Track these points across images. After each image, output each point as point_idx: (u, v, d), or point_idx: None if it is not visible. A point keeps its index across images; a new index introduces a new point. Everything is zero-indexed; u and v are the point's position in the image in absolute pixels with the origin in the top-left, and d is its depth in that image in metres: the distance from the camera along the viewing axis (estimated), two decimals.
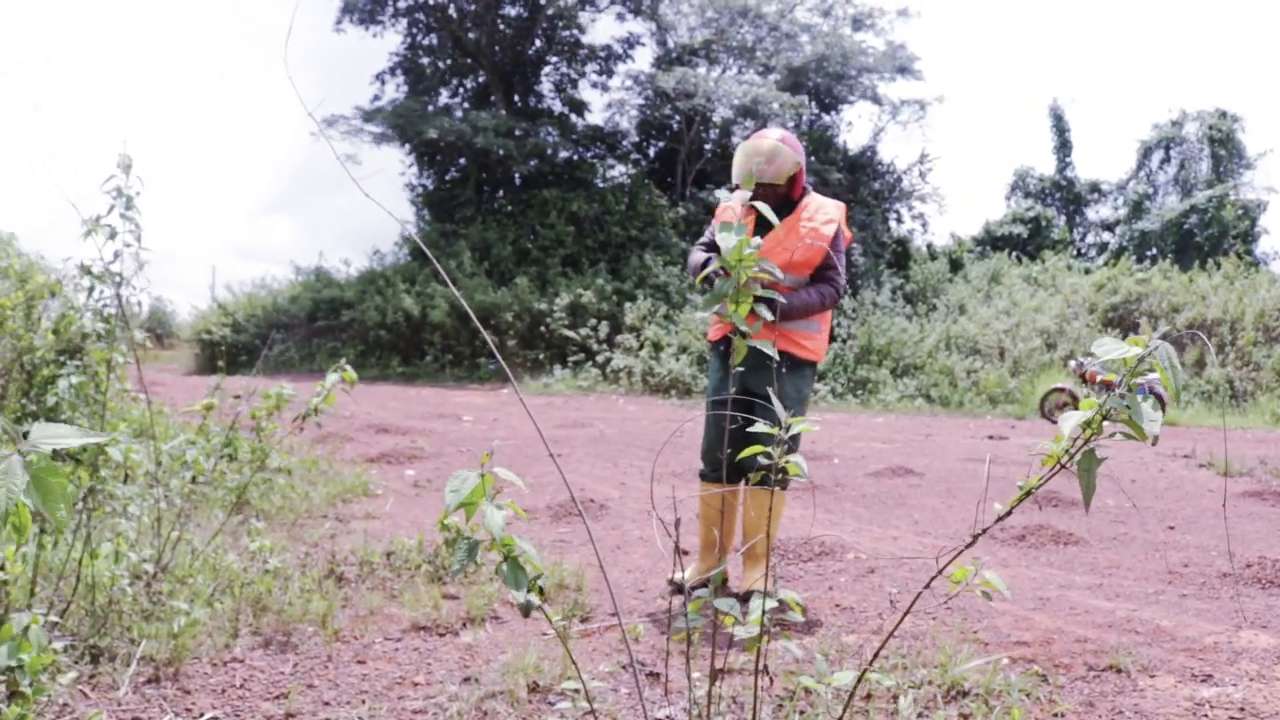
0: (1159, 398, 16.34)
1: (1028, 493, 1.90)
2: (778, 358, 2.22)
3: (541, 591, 2.02)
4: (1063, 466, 1.86)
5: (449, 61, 32.09)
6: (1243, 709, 3.12)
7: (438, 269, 2.07)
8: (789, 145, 4.40)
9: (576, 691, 2.95)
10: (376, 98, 31.85)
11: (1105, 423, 1.80)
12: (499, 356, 1.96)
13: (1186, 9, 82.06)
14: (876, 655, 2.07)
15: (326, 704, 3.05)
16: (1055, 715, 3.07)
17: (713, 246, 4.54)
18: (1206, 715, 3.07)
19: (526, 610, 1.96)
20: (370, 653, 3.54)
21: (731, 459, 4.01)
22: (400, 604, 4.12)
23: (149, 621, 3.43)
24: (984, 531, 1.95)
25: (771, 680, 2.19)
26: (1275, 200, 49.22)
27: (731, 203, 4.44)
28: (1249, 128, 49.33)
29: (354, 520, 6.04)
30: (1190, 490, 8.39)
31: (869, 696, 3.13)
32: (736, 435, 3.86)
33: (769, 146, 4.36)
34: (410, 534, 5.19)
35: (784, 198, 4.46)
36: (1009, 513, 1.92)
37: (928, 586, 2.08)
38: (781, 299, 4.21)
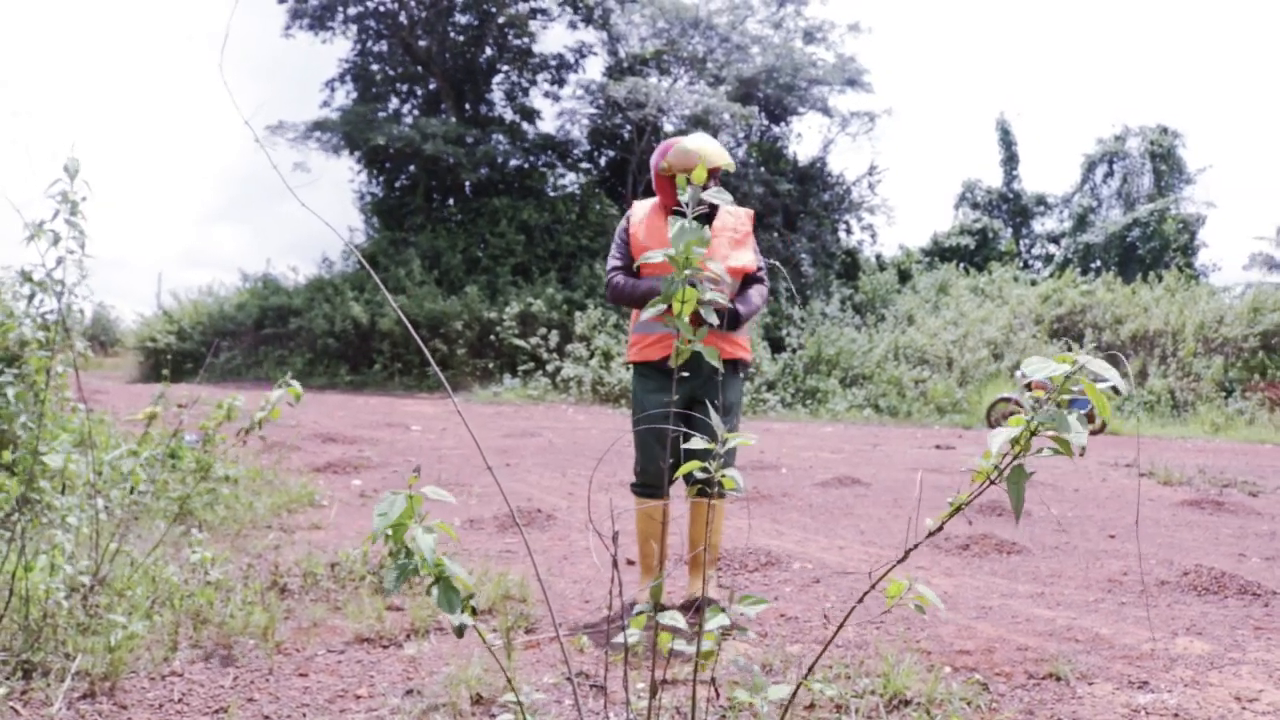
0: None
1: (957, 509, 1.92)
2: (721, 367, 2.22)
3: (474, 610, 2.01)
4: (992, 483, 1.88)
5: (400, 69, 31.94)
6: (1176, 715, 3.17)
7: (377, 282, 2.06)
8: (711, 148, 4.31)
9: (518, 704, 2.94)
10: (326, 104, 31.67)
11: (1034, 438, 1.82)
12: (434, 365, 1.95)
13: (1130, 27, 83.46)
14: (812, 668, 2.08)
15: (267, 718, 3.01)
16: None
17: (627, 269, 4.41)
18: None
19: (460, 631, 1.95)
20: (312, 665, 3.50)
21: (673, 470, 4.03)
22: (344, 616, 4.08)
23: (85, 635, 3.37)
24: (915, 547, 1.96)
25: (717, 692, 2.19)
26: (1214, 215, 50.24)
27: (643, 212, 4.47)
28: (1189, 143, 50.28)
29: (299, 531, 5.98)
30: (1131, 499, 8.51)
31: (812, 706, 3.14)
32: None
33: (696, 143, 4.27)
34: (355, 545, 5.15)
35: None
36: (939, 528, 1.93)
37: (860, 602, 2.10)
38: (735, 306, 4.27)
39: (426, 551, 1.93)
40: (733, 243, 4.42)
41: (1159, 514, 7.75)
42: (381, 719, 3.03)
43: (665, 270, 4.23)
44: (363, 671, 3.47)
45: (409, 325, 2.18)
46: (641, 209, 4.53)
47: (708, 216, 4.44)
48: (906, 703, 3.21)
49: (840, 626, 2.08)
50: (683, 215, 4.51)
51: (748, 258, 4.43)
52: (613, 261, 4.44)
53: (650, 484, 4.41)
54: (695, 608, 4.23)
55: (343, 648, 3.73)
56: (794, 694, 2.05)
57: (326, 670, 3.46)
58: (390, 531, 1.94)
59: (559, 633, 2.22)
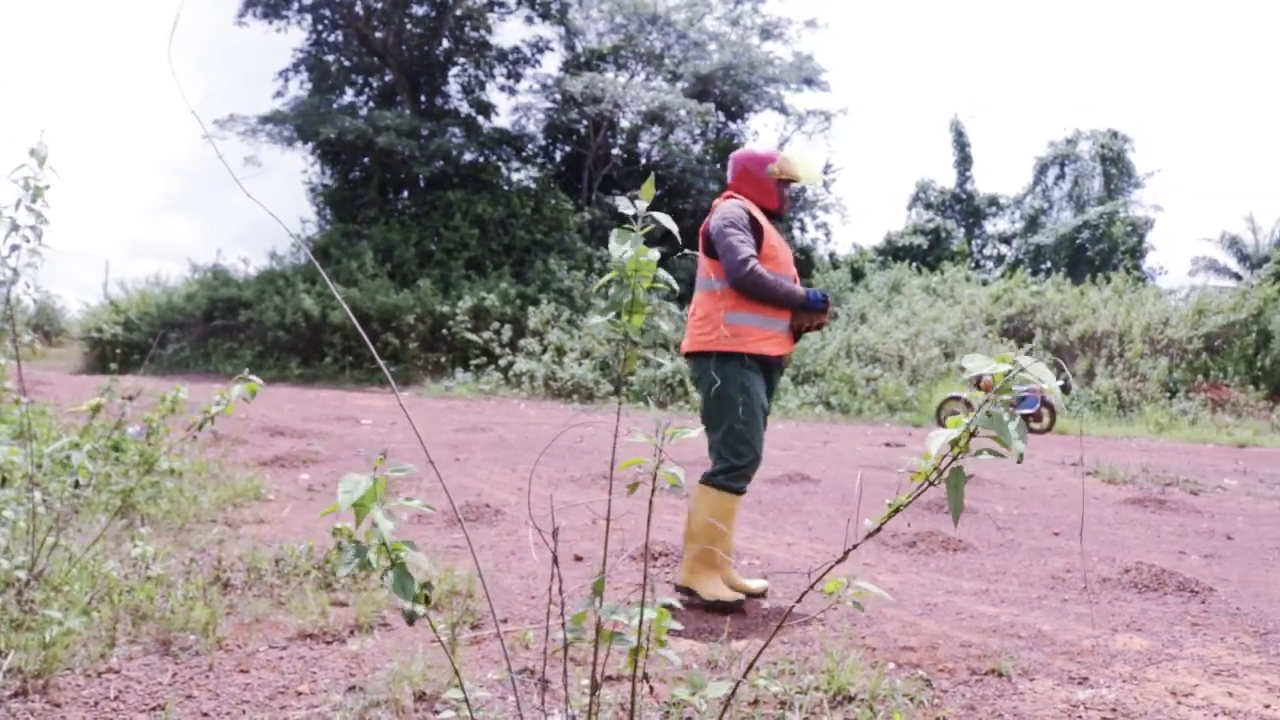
0: (1050, 407, 16.80)
1: (895, 510, 1.93)
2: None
3: (428, 600, 1.99)
4: (931, 484, 1.89)
5: (355, 60, 31.69)
6: (1114, 710, 3.21)
7: (324, 276, 2.03)
8: None
9: (464, 701, 2.92)
10: (280, 94, 31.35)
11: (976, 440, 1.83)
12: (379, 359, 1.93)
13: (1083, 32, 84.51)
14: (752, 666, 2.09)
15: (205, 715, 2.97)
16: (938, 719, 3.12)
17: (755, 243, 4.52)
18: (1081, 717, 3.15)
19: (411, 619, 1.94)
20: (254, 661, 3.46)
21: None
22: (287, 611, 4.04)
23: (19, 631, 3.31)
24: (854, 548, 1.97)
25: (651, 689, 2.19)
26: (1161, 218, 51.06)
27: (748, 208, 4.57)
28: (1138, 148, 51.12)
29: (244, 525, 5.90)
30: (1076, 497, 8.62)
31: (755, 702, 3.15)
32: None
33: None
34: (302, 539, 5.10)
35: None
36: (878, 529, 1.94)
37: (799, 600, 2.10)
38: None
39: (386, 534, 1.91)
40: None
41: (1103, 512, 7.85)
42: (323, 716, 3.00)
43: (783, 270, 4.53)
44: (305, 667, 3.43)
45: (354, 318, 2.16)
46: (744, 201, 4.64)
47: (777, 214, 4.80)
48: (850, 699, 3.23)
49: (780, 625, 2.08)
50: (780, 218, 4.76)
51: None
52: (750, 248, 4.41)
53: (751, 477, 4.50)
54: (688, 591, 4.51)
55: (285, 643, 3.68)
56: (733, 691, 2.05)
57: (268, 666, 3.42)
58: (354, 513, 1.92)
59: (499, 628, 2.20)
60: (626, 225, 2.19)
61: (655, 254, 2.19)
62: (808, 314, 4.51)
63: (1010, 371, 1.77)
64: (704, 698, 2.06)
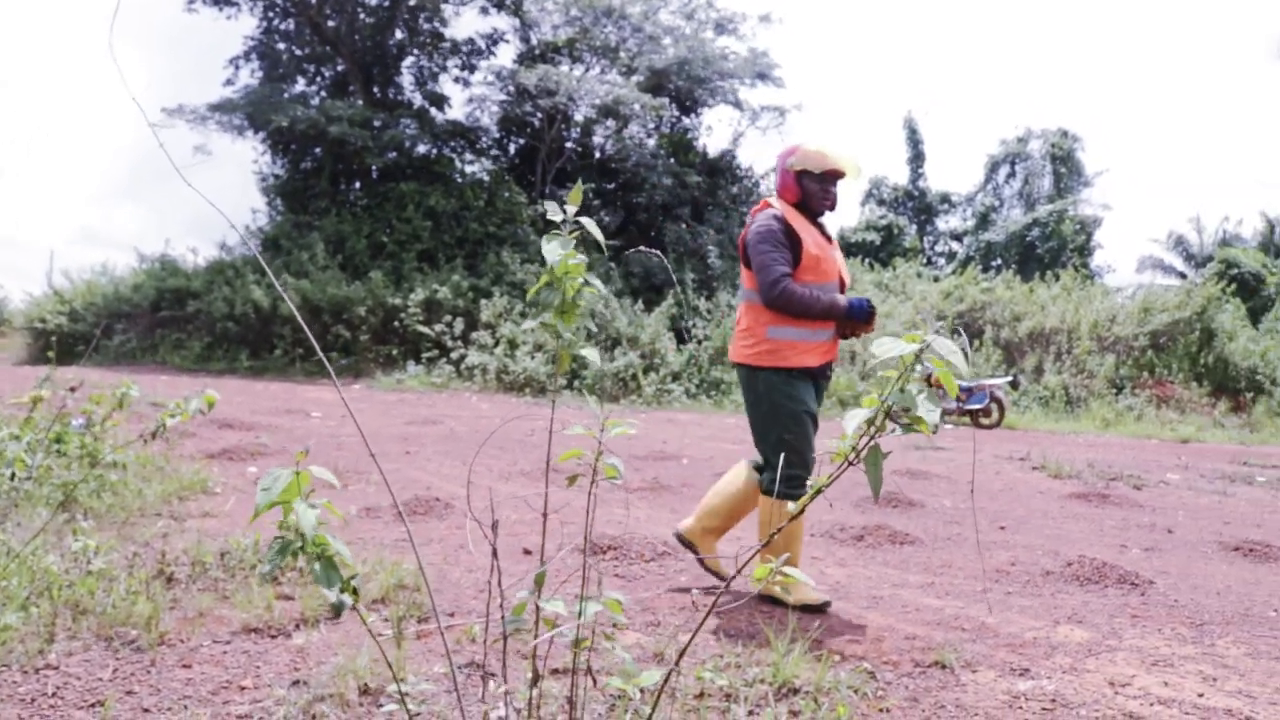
0: (999, 402, 17.00)
1: (818, 491, 1.96)
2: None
3: (355, 591, 1.98)
4: (850, 463, 1.92)
5: (307, 49, 31.35)
6: (1054, 700, 3.26)
7: (266, 270, 2.02)
8: None
9: (400, 694, 2.92)
10: (230, 82, 30.93)
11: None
12: (320, 351, 1.92)
13: (1036, 32, 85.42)
14: (682, 654, 2.10)
15: (146, 711, 2.94)
16: (881, 710, 3.15)
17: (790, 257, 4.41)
18: (1021, 707, 3.20)
19: (338, 610, 1.93)
20: (196, 656, 3.43)
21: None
22: (232, 605, 4.00)
23: None
24: (778, 531, 1.99)
25: (594, 680, 2.20)
26: (1110, 217, 51.82)
27: (783, 211, 4.47)
28: (1088, 147, 51.85)
29: (190, 519, 5.84)
30: (1023, 492, 8.73)
31: (702, 695, 3.17)
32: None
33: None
34: (248, 533, 5.05)
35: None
36: (801, 512, 1.97)
37: (727, 587, 2.12)
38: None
39: (308, 527, 1.90)
40: (843, 264, 4.65)
41: (1048, 506, 7.96)
42: (266, 710, 2.98)
43: (825, 279, 4.41)
44: (249, 662, 3.41)
45: (296, 312, 2.14)
46: (780, 207, 4.50)
47: (823, 228, 4.64)
48: (795, 691, 3.26)
49: (707, 614, 2.09)
50: (818, 216, 4.61)
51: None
52: (783, 267, 4.31)
53: (806, 482, 4.39)
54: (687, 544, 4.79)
55: (229, 638, 3.65)
56: (665, 680, 2.06)
57: (211, 661, 3.39)
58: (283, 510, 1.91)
59: (439, 621, 2.20)
60: (556, 230, 2.21)
61: (583, 257, 2.21)
62: (851, 324, 4.44)
63: (920, 349, 1.80)
64: (637, 686, 2.07)
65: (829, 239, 4.58)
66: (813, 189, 4.48)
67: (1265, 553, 6.20)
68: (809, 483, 4.45)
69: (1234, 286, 26.06)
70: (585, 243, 2.26)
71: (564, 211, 2.16)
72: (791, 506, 2.01)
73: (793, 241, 4.35)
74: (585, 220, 2.14)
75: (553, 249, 2.12)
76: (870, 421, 1.85)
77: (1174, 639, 4.10)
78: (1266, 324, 26.19)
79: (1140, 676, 3.53)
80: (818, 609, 4.35)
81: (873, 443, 1.86)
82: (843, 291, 4.56)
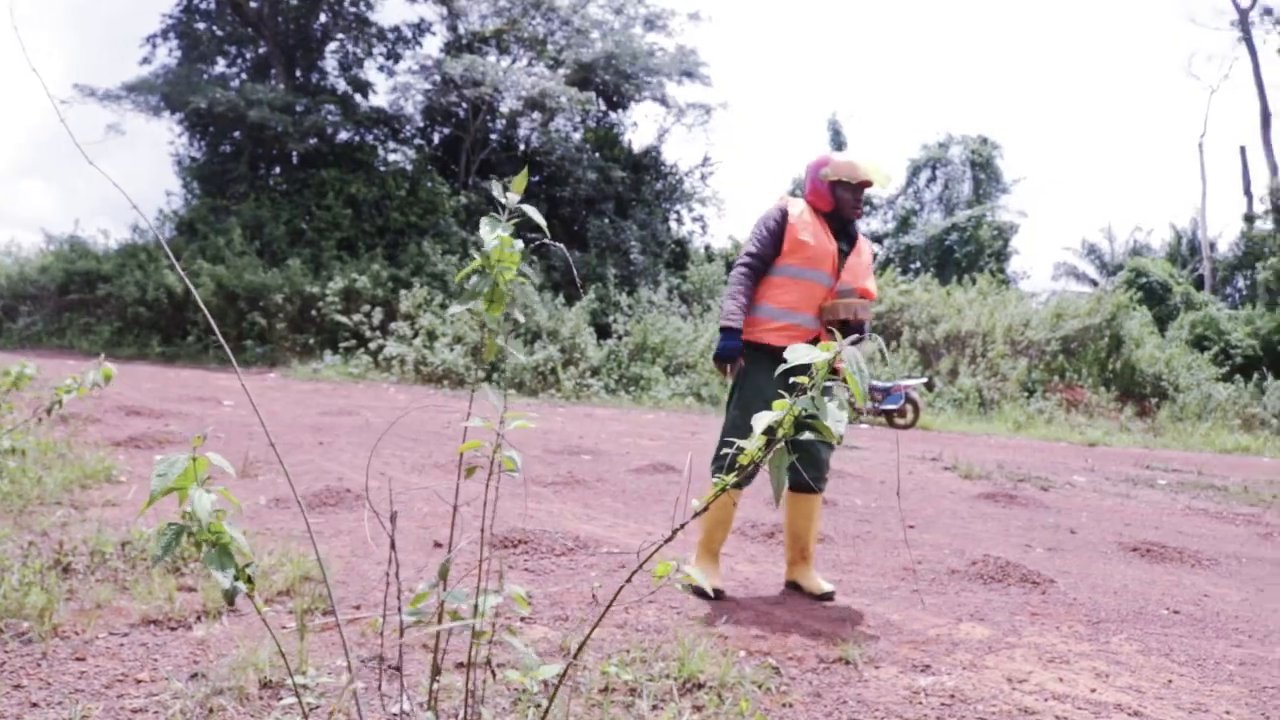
0: (914, 403, 17.27)
1: (721, 489, 1.97)
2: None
3: (250, 580, 1.95)
4: (757, 465, 1.93)
5: (227, 29, 30.75)
6: (953, 696, 3.32)
7: (169, 255, 1.97)
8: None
9: (304, 687, 2.88)
10: (147, 60, 30.20)
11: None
12: (219, 334, 1.88)
13: (959, 40, 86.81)
14: (581, 648, 2.10)
15: (35, 705, 2.86)
16: (784, 705, 3.18)
17: (765, 262, 4.65)
18: (921, 703, 3.25)
19: (231, 597, 1.90)
20: (91, 649, 3.34)
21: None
22: (131, 596, 3.91)
23: None
24: (682, 527, 2.00)
25: (494, 673, 2.19)
26: (1026, 224, 52.86)
27: (799, 210, 4.67)
28: (1007, 155, 52.84)
29: (92, 508, 5.69)
30: (934, 491, 8.87)
31: (606, 689, 3.17)
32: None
33: (868, 161, 4.72)
34: (151, 523, 4.95)
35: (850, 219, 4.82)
36: (705, 508, 1.98)
37: (628, 581, 2.13)
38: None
39: (203, 513, 1.86)
40: (867, 268, 4.74)
41: (957, 506, 8.10)
42: (162, 704, 2.91)
43: (810, 265, 4.59)
44: (146, 654, 3.33)
45: (200, 300, 2.09)
46: (797, 207, 4.70)
47: (851, 234, 4.81)
48: (700, 686, 3.27)
49: (607, 608, 2.10)
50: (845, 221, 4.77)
51: (874, 285, 4.79)
52: (753, 246, 4.64)
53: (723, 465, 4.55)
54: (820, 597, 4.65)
55: (127, 630, 3.57)
56: (563, 673, 2.06)
57: (107, 654, 3.31)
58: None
59: (337, 614, 2.17)
60: (494, 215, 2.19)
61: (519, 244, 2.19)
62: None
63: (832, 357, 1.81)
64: (535, 679, 2.07)
65: (854, 242, 4.79)
66: (846, 198, 4.72)
67: (1161, 553, 6.38)
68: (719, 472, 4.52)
69: (1142, 295, 26.78)
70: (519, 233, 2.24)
71: (506, 196, 2.14)
72: (694, 503, 2.02)
73: (782, 228, 4.63)
74: (528, 208, 2.12)
75: (489, 232, 2.10)
76: (778, 425, 1.86)
77: (1071, 636, 4.20)
78: (1171, 332, 26.95)
79: (1037, 672, 3.61)
80: (823, 597, 4.61)
81: (779, 445, 1.87)
82: (836, 282, 4.66)
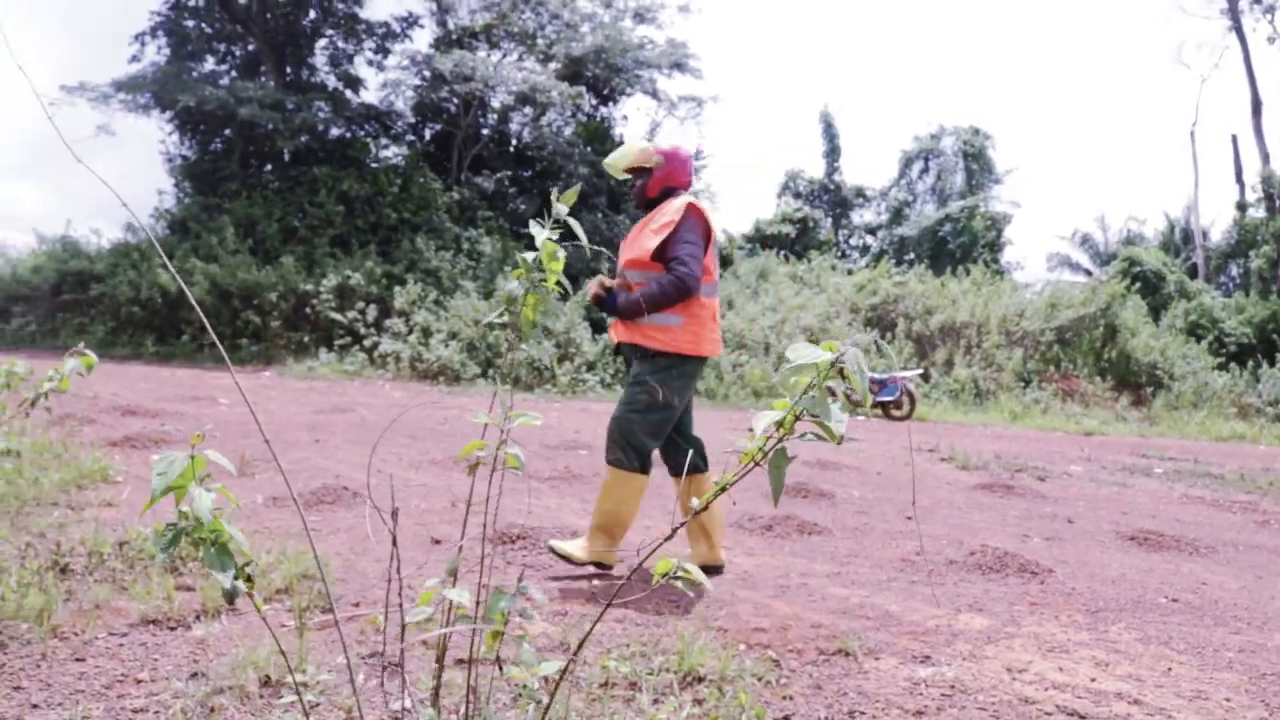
0: (910, 394, 17.27)
1: (722, 489, 1.96)
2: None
3: (250, 578, 1.94)
4: (756, 464, 1.93)
5: (217, 26, 30.63)
6: (953, 686, 3.32)
7: (160, 254, 1.96)
8: (650, 150, 4.89)
9: (304, 685, 2.87)
10: (136, 59, 30.05)
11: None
12: (213, 333, 1.88)
13: (951, 30, 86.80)
14: (583, 643, 2.10)
15: (35, 706, 2.86)
16: (785, 698, 3.18)
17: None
18: (921, 693, 3.25)
19: (231, 596, 1.89)
20: (91, 649, 3.34)
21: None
22: (130, 597, 3.90)
23: None
24: (681, 525, 2.00)
25: (500, 669, 2.18)
26: (1019, 215, 52.94)
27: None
28: (999, 145, 52.88)
29: (89, 508, 5.68)
30: (931, 483, 8.89)
31: (607, 684, 3.17)
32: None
33: (628, 147, 4.90)
34: (148, 522, 4.93)
35: (643, 198, 4.94)
36: (705, 507, 1.97)
37: (629, 579, 2.13)
38: (627, 295, 4.69)
39: (204, 512, 1.86)
40: (648, 234, 4.75)
41: (954, 497, 8.11)
42: (163, 704, 2.91)
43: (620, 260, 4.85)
44: (146, 654, 3.33)
45: (193, 299, 2.09)
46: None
47: (650, 206, 4.95)
48: (700, 679, 3.27)
49: (608, 604, 2.10)
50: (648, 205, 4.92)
51: (642, 247, 4.73)
52: (700, 258, 4.72)
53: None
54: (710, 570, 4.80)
55: (126, 630, 3.57)
56: (564, 670, 2.06)
57: (106, 654, 3.31)
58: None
59: (335, 611, 2.17)
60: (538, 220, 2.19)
61: (563, 254, 2.20)
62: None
63: (835, 359, 1.80)
64: (537, 676, 2.07)
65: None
66: (630, 184, 5.07)
67: (1159, 542, 6.39)
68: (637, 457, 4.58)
69: (1136, 284, 26.76)
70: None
71: (553, 209, 2.16)
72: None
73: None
74: (570, 220, 2.13)
75: (541, 236, 2.11)
76: (779, 424, 1.85)
77: (1070, 626, 4.20)
78: (1166, 321, 26.98)
79: (1036, 662, 3.62)
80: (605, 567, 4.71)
81: (779, 445, 1.86)
82: (641, 269, 4.77)
